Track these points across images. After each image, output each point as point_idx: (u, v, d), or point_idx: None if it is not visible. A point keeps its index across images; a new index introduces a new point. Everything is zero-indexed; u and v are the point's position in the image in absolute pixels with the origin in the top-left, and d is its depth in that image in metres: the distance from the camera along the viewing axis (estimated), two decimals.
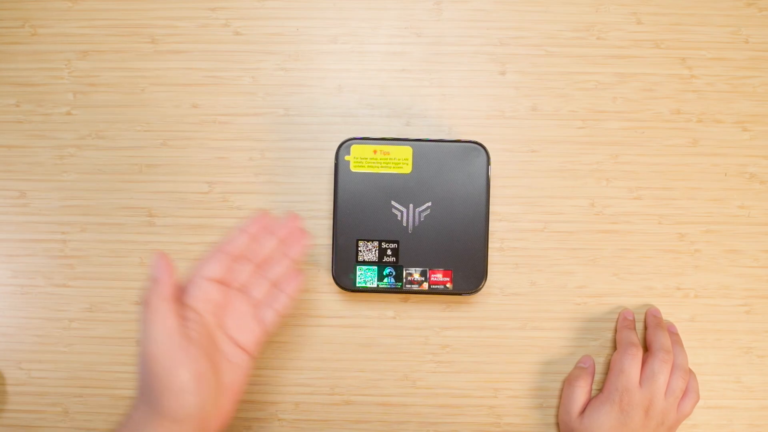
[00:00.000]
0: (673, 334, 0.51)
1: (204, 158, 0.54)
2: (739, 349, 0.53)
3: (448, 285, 0.49)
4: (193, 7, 0.55)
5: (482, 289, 0.52)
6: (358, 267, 0.49)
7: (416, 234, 0.49)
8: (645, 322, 0.52)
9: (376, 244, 0.49)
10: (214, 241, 0.53)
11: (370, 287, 0.49)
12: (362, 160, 0.49)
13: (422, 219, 0.49)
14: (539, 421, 0.53)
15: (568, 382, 0.51)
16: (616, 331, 0.52)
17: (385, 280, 0.49)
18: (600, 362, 0.53)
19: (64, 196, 0.54)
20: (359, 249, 0.49)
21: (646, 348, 0.51)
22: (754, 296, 0.53)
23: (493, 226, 0.53)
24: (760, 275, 0.53)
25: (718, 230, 0.53)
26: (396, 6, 0.55)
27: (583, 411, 0.49)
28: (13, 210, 0.54)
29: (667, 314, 0.53)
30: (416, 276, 0.49)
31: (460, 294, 0.49)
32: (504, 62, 0.54)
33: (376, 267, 0.49)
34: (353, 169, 0.49)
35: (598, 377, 0.53)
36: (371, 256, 0.49)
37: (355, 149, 0.49)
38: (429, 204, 0.49)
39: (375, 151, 0.49)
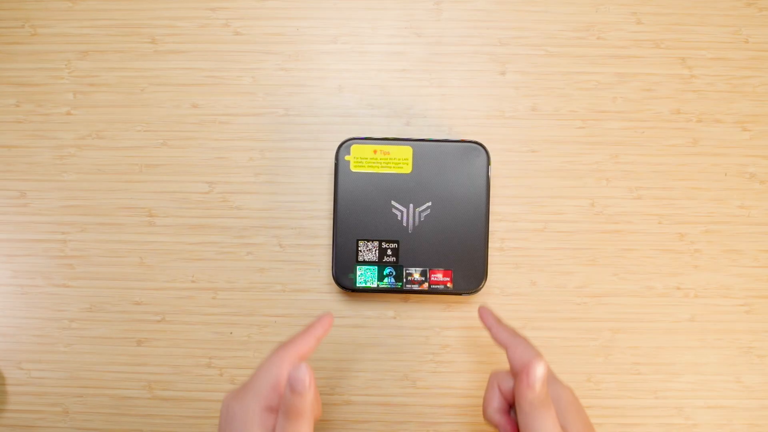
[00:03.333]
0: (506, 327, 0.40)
1: (204, 158, 0.54)
2: (739, 349, 0.53)
3: (448, 285, 0.49)
4: (193, 7, 0.55)
5: (482, 289, 0.52)
6: (358, 267, 0.49)
7: (416, 234, 0.49)
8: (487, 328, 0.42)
9: (376, 244, 0.49)
10: (214, 241, 0.53)
11: (371, 287, 0.49)
12: (362, 160, 0.49)
13: (422, 219, 0.49)
14: None
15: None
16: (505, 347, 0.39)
17: (386, 280, 0.49)
18: (599, 361, 0.53)
19: (64, 196, 0.54)
20: (359, 249, 0.49)
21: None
22: (754, 296, 0.53)
23: (493, 226, 0.53)
24: (760, 275, 0.53)
25: (718, 230, 0.53)
26: (396, 6, 0.55)
27: None
28: (13, 210, 0.54)
29: (667, 314, 0.53)
30: (416, 276, 0.49)
31: (460, 294, 0.49)
32: (504, 62, 0.54)
33: (376, 267, 0.49)
34: (353, 169, 0.49)
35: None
36: (371, 256, 0.49)
37: (355, 149, 0.49)
38: (429, 204, 0.49)
39: (375, 151, 0.49)
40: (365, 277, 0.49)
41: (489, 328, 0.41)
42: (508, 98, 0.54)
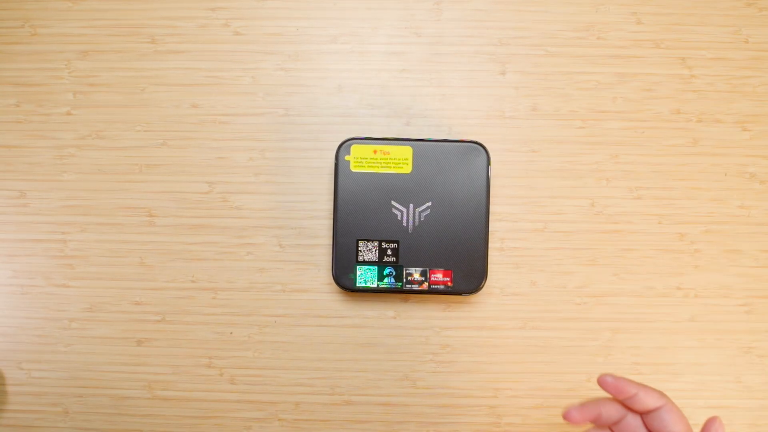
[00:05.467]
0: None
1: (204, 158, 0.54)
2: (739, 349, 0.53)
3: (448, 285, 0.49)
4: (193, 7, 0.55)
5: (482, 289, 0.52)
6: (358, 267, 0.49)
7: (416, 234, 0.49)
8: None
9: (376, 244, 0.49)
10: (214, 241, 0.53)
11: (371, 287, 0.49)
12: (362, 160, 0.49)
13: (422, 219, 0.49)
14: (539, 421, 0.53)
15: None
16: None
17: (386, 280, 0.49)
18: (599, 361, 0.53)
19: (64, 196, 0.54)
20: (359, 249, 0.49)
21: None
22: (754, 296, 0.53)
23: (493, 226, 0.53)
24: (760, 275, 0.53)
25: (718, 230, 0.53)
26: (396, 6, 0.55)
27: None
28: (13, 210, 0.54)
29: (667, 314, 0.53)
30: (416, 276, 0.49)
31: (460, 294, 0.49)
32: (504, 62, 0.54)
33: (376, 267, 0.49)
34: (353, 169, 0.49)
35: None
36: (371, 256, 0.49)
37: (356, 149, 0.49)
38: (429, 204, 0.49)
39: (375, 151, 0.49)
40: (365, 277, 0.49)
41: (636, 394, 0.36)
42: (508, 98, 0.54)
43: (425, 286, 0.49)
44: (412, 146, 0.49)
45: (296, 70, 0.55)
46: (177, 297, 0.54)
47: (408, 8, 0.54)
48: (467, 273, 0.49)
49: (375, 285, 0.49)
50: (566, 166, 0.54)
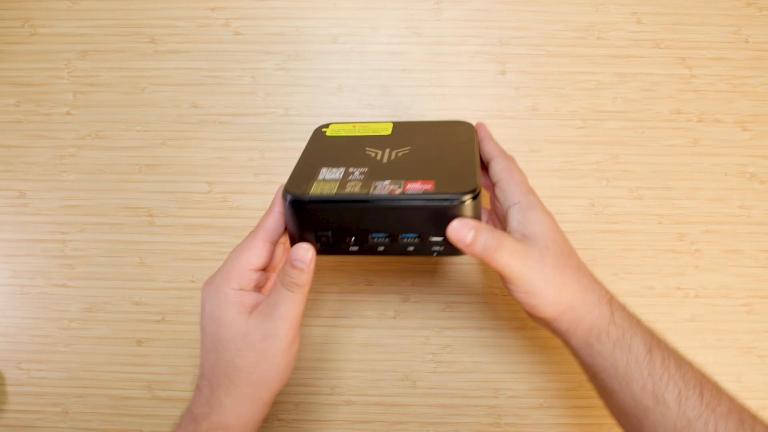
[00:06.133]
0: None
1: (204, 158, 0.54)
2: (740, 349, 0.53)
3: (429, 191, 0.36)
4: (193, 7, 0.55)
5: (482, 289, 0.52)
6: (316, 183, 0.38)
7: (391, 163, 0.40)
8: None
9: (342, 169, 0.39)
10: (214, 241, 0.53)
11: (327, 197, 0.36)
12: (340, 131, 0.46)
13: (399, 156, 0.41)
14: (539, 421, 0.53)
15: None
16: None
17: (348, 187, 0.37)
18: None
19: (64, 196, 0.54)
20: (321, 172, 0.39)
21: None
22: (754, 296, 0.53)
23: None
24: (760, 275, 0.53)
25: (718, 230, 0.53)
26: (396, 6, 0.55)
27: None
28: (13, 210, 0.54)
29: (667, 314, 0.53)
30: (389, 185, 0.37)
31: (447, 204, 0.36)
32: (504, 62, 0.54)
33: (338, 181, 0.38)
34: (329, 135, 0.46)
35: None
36: (333, 176, 0.39)
37: (334, 126, 0.47)
38: (408, 148, 0.42)
39: (354, 126, 0.47)
40: (322, 188, 0.37)
41: (481, 140, 0.45)
42: (508, 98, 0.54)
43: (398, 192, 0.36)
44: (393, 123, 0.46)
45: (296, 70, 0.55)
46: (177, 297, 0.54)
47: (408, 8, 0.54)
48: (453, 180, 0.37)
49: (333, 194, 0.37)
50: (566, 166, 0.54)
